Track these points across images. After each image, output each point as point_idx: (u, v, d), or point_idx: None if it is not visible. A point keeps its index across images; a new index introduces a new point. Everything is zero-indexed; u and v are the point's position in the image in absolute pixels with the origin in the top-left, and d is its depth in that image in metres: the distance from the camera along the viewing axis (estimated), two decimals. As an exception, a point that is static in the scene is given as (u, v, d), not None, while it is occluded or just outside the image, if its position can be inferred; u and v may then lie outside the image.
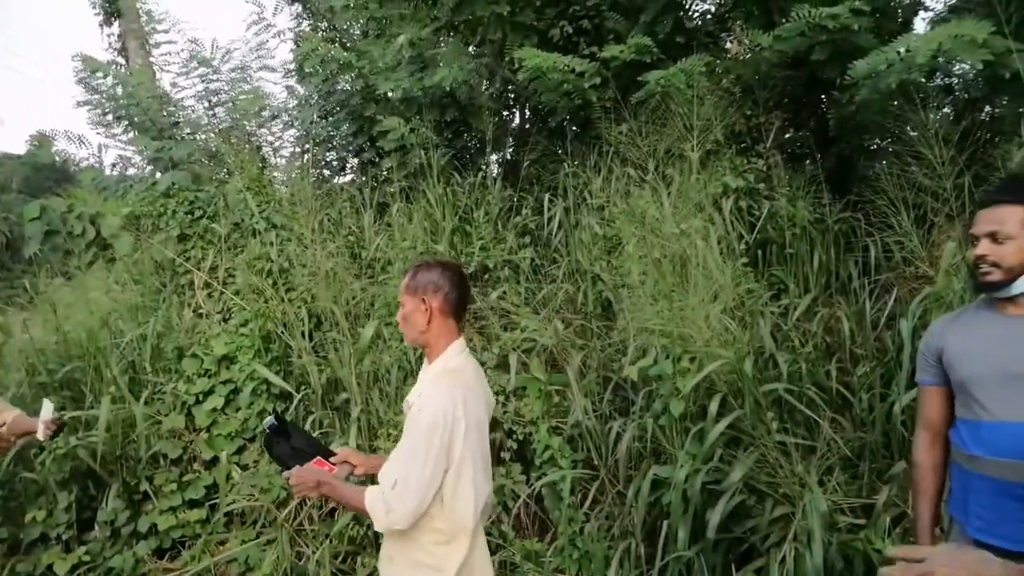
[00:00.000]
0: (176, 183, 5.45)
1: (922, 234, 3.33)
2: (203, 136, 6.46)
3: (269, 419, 2.07)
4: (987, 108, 4.65)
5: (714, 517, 2.71)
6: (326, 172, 6.74)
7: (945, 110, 5.07)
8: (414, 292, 1.97)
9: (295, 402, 4.05)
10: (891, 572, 1.19)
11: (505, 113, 6.62)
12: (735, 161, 4.33)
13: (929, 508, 1.92)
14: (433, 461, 1.82)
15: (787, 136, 5.15)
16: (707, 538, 2.71)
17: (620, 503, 3.21)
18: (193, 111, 6.55)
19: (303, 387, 4.10)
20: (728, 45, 6.06)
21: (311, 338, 4.36)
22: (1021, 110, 3.32)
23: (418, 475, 1.83)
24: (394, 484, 1.87)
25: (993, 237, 1.70)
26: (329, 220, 5.29)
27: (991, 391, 1.69)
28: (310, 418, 3.94)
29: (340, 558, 3.60)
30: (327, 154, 6.74)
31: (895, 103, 3.98)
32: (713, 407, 2.89)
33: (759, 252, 4.06)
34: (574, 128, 5.21)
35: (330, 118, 6.52)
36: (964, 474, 1.78)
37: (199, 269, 5.09)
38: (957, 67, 4.58)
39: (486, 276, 4.64)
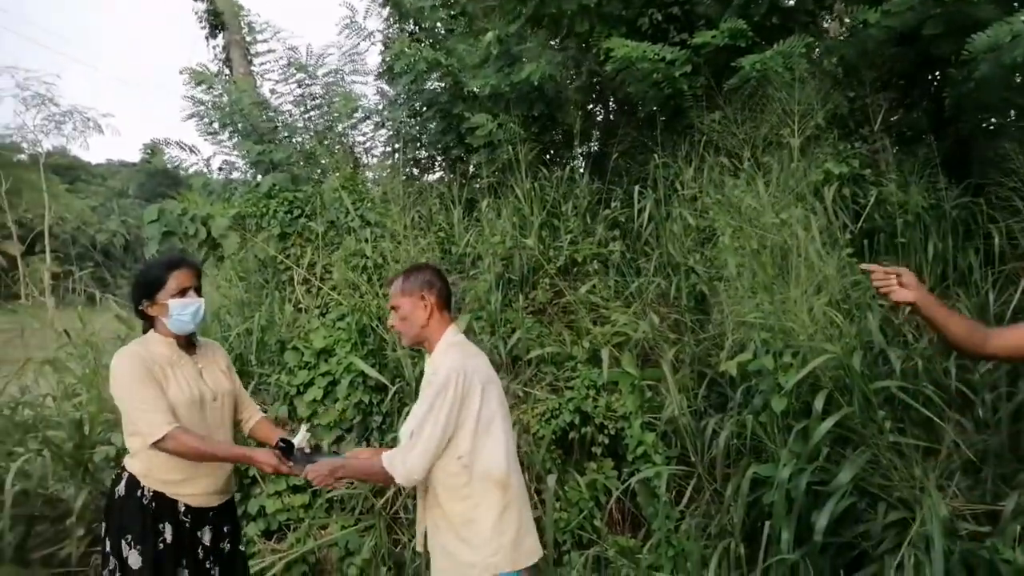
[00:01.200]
0: (276, 184, 5.72)
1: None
2: (300, 139, 6.75)
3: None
4: None
5: (821, 519, 2.58)
6: (416, 170, 6.89)
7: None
8: (411, 293, 2.24)
9: (390, 394, 4.16)
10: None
11: (592, 106, 6.56)
12: (838, 146, 4.11)
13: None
14: (447, 412, 2.05)
15: (896, 118, 4.84)
16: (814, 541, 2.59)
17: (717, 502, 3.12)
18: (290, 115, 6.85)
19: (397, 379, 4.21)
20: (828, 24, 5.75)
21: (405, 332, 4.47)
22: None
23: (432, 425, 2.06)
24: (410, 435, 2.11)
25: None
26: (420, 217, 5.41)
27: None
28: (404, 410, 4.04)
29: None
30: (417, 152, 6.89)
31: (1020, 79, 3.67)
32: (818, 404, 2.76)
33: (865, 242, 3.84)
34: (664, 118, 5.09)
35: (419, 117, 6.65)
36: None
37: (298, 266, 5.33)
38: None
39: (575, 270, 4.61)
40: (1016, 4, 3.88)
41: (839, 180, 3.97)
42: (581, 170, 5.43)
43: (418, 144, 6.81)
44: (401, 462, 2.11)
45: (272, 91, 6.87)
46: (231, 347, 4.84)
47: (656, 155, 4.77)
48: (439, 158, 6.81)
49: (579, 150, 5.83)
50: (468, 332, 4.19)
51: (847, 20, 5.02)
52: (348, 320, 4.52)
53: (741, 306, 3.09)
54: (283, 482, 4.17)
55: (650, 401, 3.60)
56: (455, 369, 2.08)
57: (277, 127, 6.64)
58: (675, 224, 4.32)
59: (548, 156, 5.76)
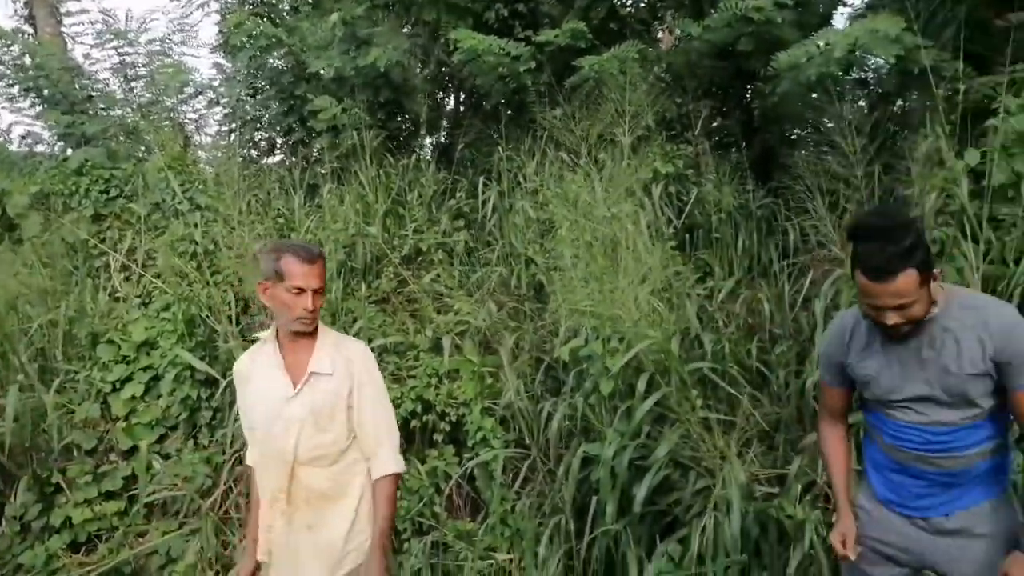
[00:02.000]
0: (89, 160, 5.17)
1: (835, 219, 3.50)
2: (119, 112, 6.14)
3: None
4: (899, 101, 4.91)
5: (640, 491, 2.78)
6: (254, 152, 6.52)
7: (860, 103, 5.33)
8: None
9: (221, 388, 3.93)
10: None
11: (440, 95, 6.56)
12: (665, 148, 4.44)
13: (841, 476, 1.99)
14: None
15: (715, 124, 5.31)
16: (633, 512, 2.79)
17: (551, 481, 3.26)
18: (108, 85, 6.21)
19: (229, 372, 3.97)
20: (660, 35, 6.18)
21: (238, 322, 4.23)
22: (928, 103, 3.52)
23: (390, 410, 2.06)
24: (374, 425, 2.01)
25: (899, 308, 1.62)
26: (257, 201, 5.13)
27: (900, 407, 1.75)
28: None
29: (268, 545, 3.53)
30: (255, 134, 6.52)
31: (814, 95, 4.16)
32: (641, 385, 2.97)
33: (687, 236, 4.18)
34: (509, 112, 5.21)
35: (259, 96, 6.30)
36: (876, 450, 1.88)
37: (116, 251, 4.86)
38: (872, 61, 4.81)
39: (420, 259, 4.61)
40: (813, 30, 4.39)
41: (665, 179, 4.29)
42: (428, 159, 5.42)
43: (257, 125, 6.45)
44: (395, 458, 2.03)
45: (87, 56, 6.20)
46: (31, 340, 4.33)
47: (501, 148, 4.87)
48: (280, 140, 6.50)
49: (427, 140, 5.81)
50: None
51: (677, 31, 5.42)
52: (174, 310, 4.21)
53: (574, 295, 3.25)
54: (93, 489, 3.80)
55: (490, 387, 3.69)
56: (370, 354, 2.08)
57: (92, 97, 5.99)
58: (517, 216, 4.45)
59: (394, 144, 5.69)
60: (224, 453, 3.78)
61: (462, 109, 6.25)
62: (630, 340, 3.02)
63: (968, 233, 3.04)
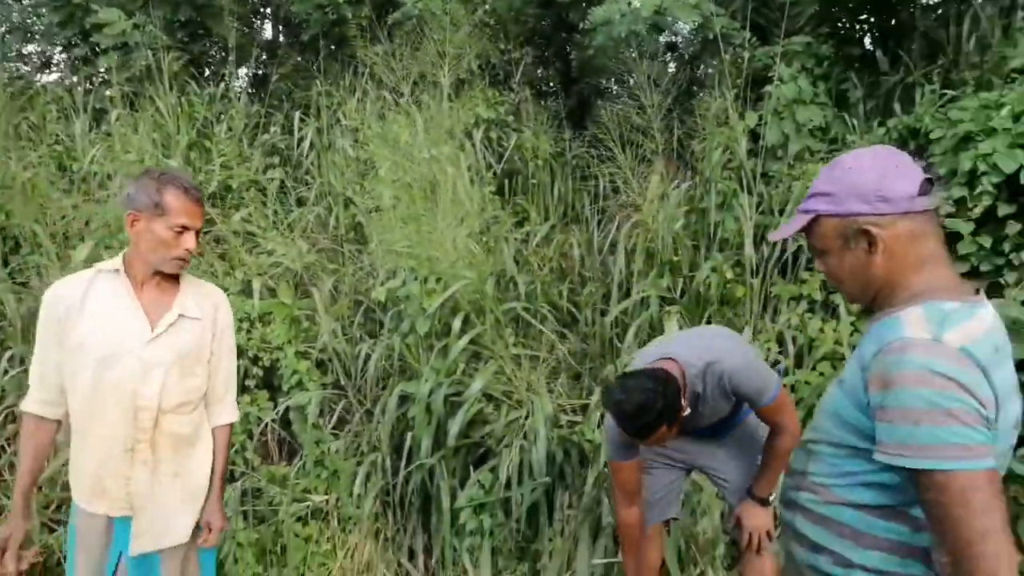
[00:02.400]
0: None
1: (636, 168, 3.78)
2: None
3: None
4: (700, 65, 5.36)
5: (454, 426, 2.90)
6: (24, 67, 5.61)
7: (670, 64, 5.74)
8: None
9: (-17, 338, 3.44)
10: None
11: (254, 21, 6.05)
12: (487, 93, 4.48)
13: (634, 565, 2.10)
14: None
15: (537, 73, 5.44)
16: (448, 446, 2.90)
17: (368, 421, 3.29)
18: None
19: (-2, 320, 3.50)
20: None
21: (6, 263, 3.70)
22: (719, 68, 3.87)
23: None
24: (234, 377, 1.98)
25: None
26: (29, 125, 4.46)
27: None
28: (7, 354, 3.39)
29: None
30: (25, 45, 5.60)
31: (630, 52, 4.40)
32: (457, 324, 3.05)
33: (506, 181, 4.30)
34: (329, 45, 4.95)
35: (25, 1, 5.40)
36: None
37: None
38: (679, 26, 5.18)
39: (229, 197, 4.30)
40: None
41: (487, 124, 4.35)
42: (238, 90, 5.02)
43: (28, 35, 5.55)
44: (234, 406, 1.99)
45: None
46: None
47: (319, 83, 4.63)
48: (58, 56, 5.65)
49: (237, 69, 5.36)
50: (94, 262, 3.64)
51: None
52: (-82, 249, 3.58)
53: (393, 236, 3.23)
54: None
55: (306, 331, 3.59)
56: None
57: None
58: (336, 154, 4.29)
59: (199, 71, 5.18)
60: (-5, 409, 3.35)
61: (277, 37, 5.82)
62: (447, 281, 3.08)
63: (745, 186, 3.44)
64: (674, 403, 1.68)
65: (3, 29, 5.31)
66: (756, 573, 2.06)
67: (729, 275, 3.26)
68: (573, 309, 3.71)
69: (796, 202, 3.33)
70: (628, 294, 3.34)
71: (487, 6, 4.81)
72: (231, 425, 1.98)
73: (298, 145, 4.59)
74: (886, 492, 1.03)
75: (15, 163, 3.88)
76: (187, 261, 1.76)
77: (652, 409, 1.66)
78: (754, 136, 3.71)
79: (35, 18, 5.42)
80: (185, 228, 1.71)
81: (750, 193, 3.45)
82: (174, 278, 1.82)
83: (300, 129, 4.61)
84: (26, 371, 3.38)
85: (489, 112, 4.38)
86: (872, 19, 4.45)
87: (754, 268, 3.30)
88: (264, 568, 2.91)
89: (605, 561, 2.63)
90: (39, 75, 5.62)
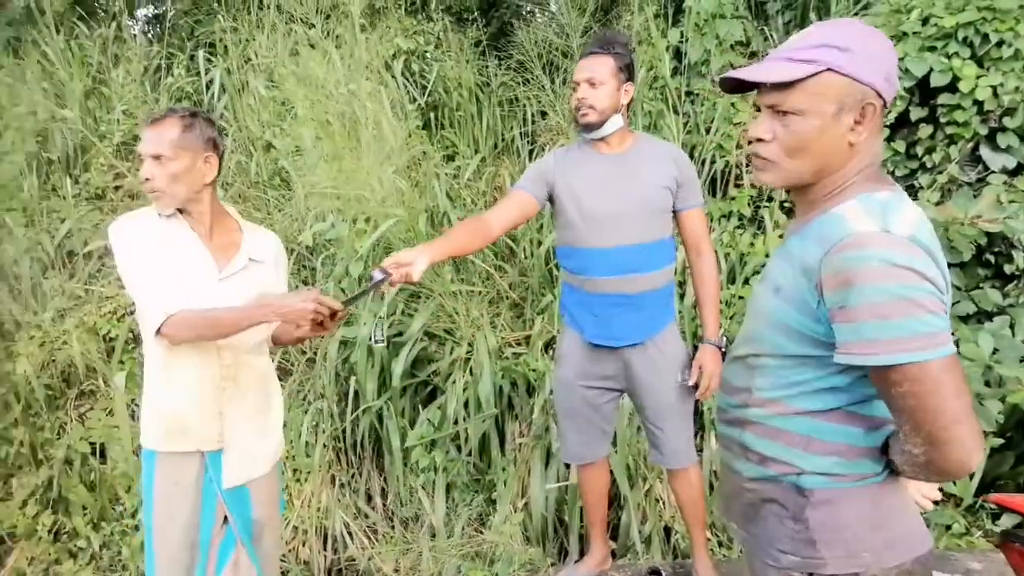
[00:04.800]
0: None
1: (560, 91, 3.71)
2: None
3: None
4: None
5: (398, 367, 2.89)
6: None
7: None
8: (194, 149, 1.67)
9: None
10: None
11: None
12: (404, 22, 4.28)
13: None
14: None
15: (456, 1, 5.21)
16: (393, 387, 2.90)
17: (311, 369, 3.24)
18: None
19: None
20: None
21: None
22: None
23: None
24: None
25: (590, 83, 1.92)
26: None
27: (603, 223, 2.01)
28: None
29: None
30: None
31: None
32: (391, 264, 3.00)
33: (432, 115, 4.17)
34: (229, -24, 4.59)
35: None
36: (579, 293, 2.12)
37: None
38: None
39: (137, 145, 4.03)
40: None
41: (407, 55, 4.17)
42: (134, 31, 4.64)
43: None
44: None
45: None
46: None
47: (222, 18, 4.32)
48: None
49: (132, 9, 4.93)
50: (-4, 228, 3.40)
51: None
52: None
53: (316, 177, 3.11)
54: None
55: (236, 283, 3.46)
56: None
57: None
58: (250, 96, 4.05)
59: (86, 9, 4.75)
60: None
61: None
62: (377, 220, 3.01)
63: (671, 106, 3.44)
64: (631, 68, 1.98)
65: None
66: (684, 483, 2.15)
67: (660, 196, 3.28)
68: (510, 242, 3.69)
69: (721, 119, 3.35)
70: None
71: (397, -73, 4.54)
72: None
73: (208, 88, 4.30)
74: (837, 395, 1.03)
75: None
76: (154, 192, 1.65)
77: (624, 41, 1.99)
78: (677, 55, 3.68)
79: None
80: (142, 158, 1.66)
81: (676, 113, 3.46)
82: (233, 222, 1.80)
83: (207, 70, 4.32)
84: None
85: (408, 43, 4.19)
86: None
87: (684, 187, 3.33)
88: (218, 523, 2.89)
89: (558, 485, 2.71)
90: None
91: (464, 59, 4.22)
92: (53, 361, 3.22)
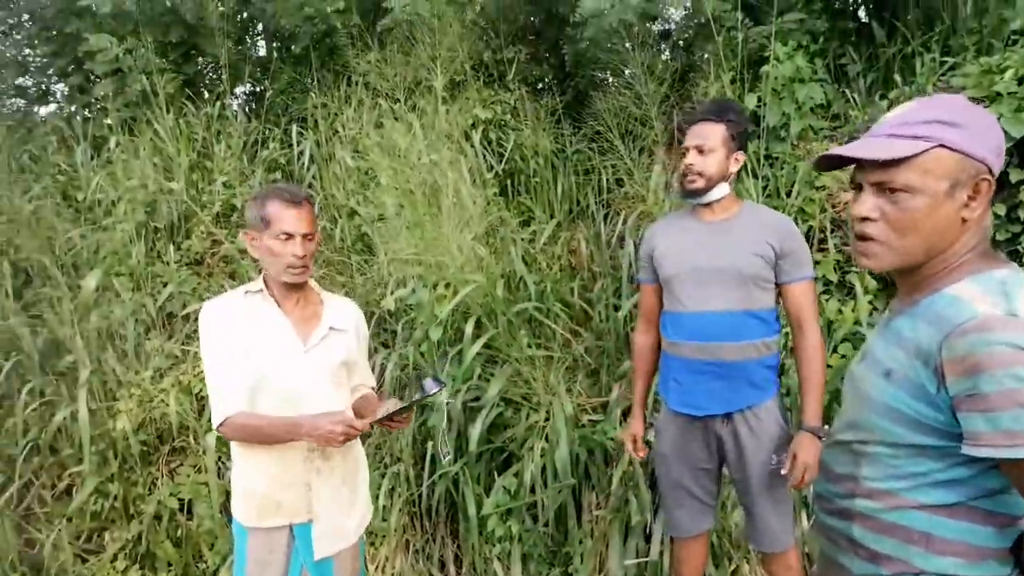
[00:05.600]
0: None
1: (637, 159, 3.75)
2: None
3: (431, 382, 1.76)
4: (696, 51, 5.31)
5: (475, 432, 2.89)
6: (21, 101, 5.63)
7: (664, 52, 5.69)
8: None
9: (3, 371, 3.46)
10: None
11: (246, 38, 6.05)
12: (483, 93, 4.45)
13: (643, 382, 2.29)
14: None
15: (533, 72, 5.40)
16: (469, 452, 2.89)
17: (387, 432, 3.28)
18: None
19: (13, 353, 3.51)
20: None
21: (19, 296, 3.72)
22: (714, 51, 3.83)
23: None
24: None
25: (699, 149, 1.94)
26: (30, 157, 4.48)
27: (687, 287, 1.99)
28: (27, 387, 3.40)
29: (83, 538, 3.24)
30: (21, 79, 5.61)
31: (624, 42, 4.36)
32: (469, 329, 3.04)
33: (508, 181, 4.28)
34: (321, 57, 4.93)
35: (17, 34, 5.40)
36: (667, 358, 2.10)
37: None
38: (672, 13, 5.13)
39: (233, 216, 4.30)
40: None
41: (485, 124, 4.32)
42: (235, 108, 5.01)
43: (21, 69, 5.56)
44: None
45: None
46: None
47: (314, 95, 4.62)
48: (54, 87, 5.66)
49: (234, 88, 5.35)
50: (105, 290, 3.66)
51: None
52: (-69, 289, 3.60)
53: (399, 244, 3.22)
54: None
55: (320, 345, 3.58)
56: None
57: None
58: (337, 166, 4.28)
59: (195, 91, 5.18)
60: (16, 445, 3.37)
61: (268, 53, 5.81)
62: (456, 286, 3.07)
63: (750, 171, 3.41)
64: (743, 135, 1.98)
65: (-3, 65, 5.33)
66: (783, 567, 2.03)
67: (740, 261, 3.22)
68: (586, 306, 3.68)
69: (803, 183, 3.29)
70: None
71: (476, 6, 4.78)
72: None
73: (298, 159, 4.58)
74: (959, 488, 0.95)
75: (19, 196, 3.89)
76: (301, 268, 1.77)
77: (736, 106, 2.00)
78: (755, 119, 3.67)
79: (29, 51, 5.43)
80: (289, 235, 1.73)
81: (755, 177, 3.42)
82: (315, 294, 1.90)
83: (299, 143, 4.60)
84: (47, 403, 3.42)
85: (486, 112, 4.35)
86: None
87: (765, 252, 3.26)
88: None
89: (637, 561, 2.61)
90: (37, 107, 5.64)
91: (540, 127, 4.33)
92: (151, 419, 3.39)
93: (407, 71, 4.14)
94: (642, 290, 2.26)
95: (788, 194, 3.37)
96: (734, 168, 1.98)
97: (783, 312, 2.03)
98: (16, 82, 5.52)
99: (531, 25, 5.11)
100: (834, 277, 3.11)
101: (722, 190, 1.97)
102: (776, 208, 3.40)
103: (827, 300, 3.05)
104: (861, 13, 4.51)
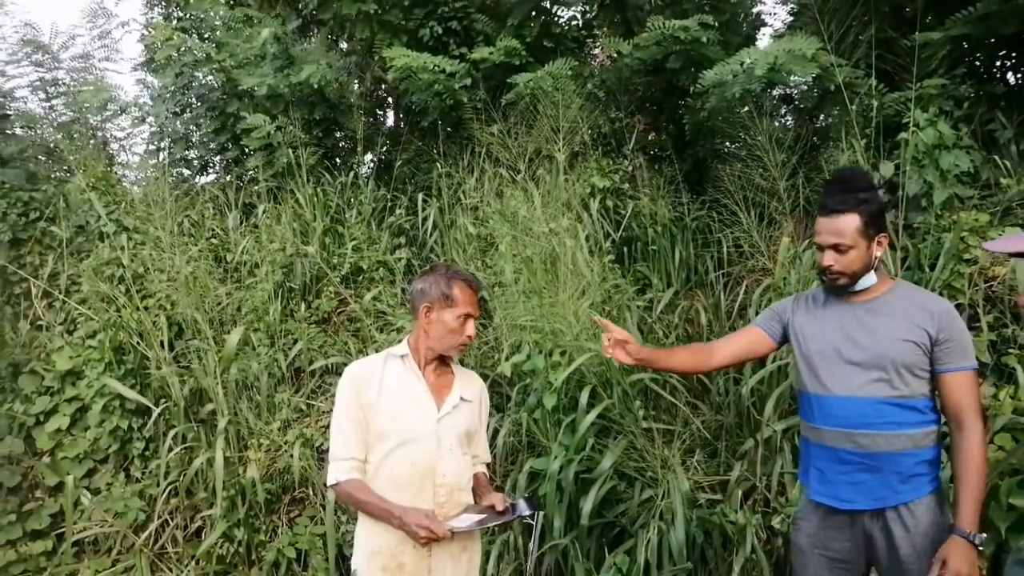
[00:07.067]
0: (7, 182, 4.92)
1: (762, 230, 3.64)
2: (39, 131, 5.86)
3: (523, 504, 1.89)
4: (820, 117, 5.16)
5: (587, 504, 2.81)
6: (186, 171, 6.32)
7: (786, 119, 5.57)
8: None
9: (154, 416, 3.78)
10: None
11: (378, 112, 6.52)
12: (601, 162, 4.52)
13: (665, 352, 2.16)
14: None
15: (649, 139, 5.45)
16: (581, 525, 2.81)
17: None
18: (26, 103, 5.92)
19: (163, 400, 3.83)
20: (596, 51, 6.31)
21: (171, 348, 4.08)
22: (844, 118, 3.70)
23: None
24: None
25: (836, 248, 1.81)
26: (190, 222, 4.98)
27: (830, 368, 1.87)
28: (172, 432, 3.69)
29: (209, 579, 3.41)
30: (187, 152, 6.32)
31: (744, 110, 4.32)
32: (584, 398, 3.00)
33: (625, 249, 4.27)
34: (446, 128, 5.22)
35: (188, 114, 6.12)
36: (807, 444, 1.97)
37: (37, 277, 4.62)
38: (795, 79, 5.04)
39: (360, 277, 4.55)
40: (738, 48, 4.57)
41: (602, 193, 4.37)
42: (366, 177, 5.37)
43: (188, 143, 6.26)
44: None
45: (1, 73, 5.87)
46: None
47: (439, 164, 4.87)
48: (214, 159, 6.32)
49: (364, 157, 5.76)
50: (245, 345, 3.95)
51: (608, 50, 5.54)
52: (101, 337, 4.03)
53: (515, 310, 3.27)
54: (18, 528, 3.60)
55: (435, 406, 3.66)
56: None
57: (8, 115, 5.70)
58: (458, 232, 4.45)
59: (331, 161, 5.62)
60: (159, 485, 3.63)
61: (398, 126, 6.22)
62: (572, 354, 3.06)
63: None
64: (881, 217, 1.81)
65: (168, 141, 6.03)
66: None
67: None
68: (704, 379, 3.55)
69: (949, 256, 3.06)
70: (763, 362, 3.15)
71: (597, 79, 4.91)
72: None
73: (422, 225, 4.81)
74: None
75: (179, 257, 4.32)
76: (468, 346, 1.97)
77: (868, 184, 1.82)
78: (890, 188, 3.48)
79: (194, 128, 6.12)
80: (468, 316, 1.90)
81: (893, 248, 3.22)
82: (446, 364, 2.01)
83: (423, 209, 4.84)
84: (188, 448, 3.68)
85: (604, 181, 4.40)
86: (1013, 54, 4.12)
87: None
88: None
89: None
90: (198, 177, 6.31)
91: (658, 195, 4.32)
92: (279, 471, 3.56)
93: (529, 142, 4.29)
94: (749, 331, 2.11)
95: (932, 267, 3.14)
96: (879, 253, 1.84)
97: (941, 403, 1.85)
98: (182, 155, 6.22)
99: (650, 96, 5.18)
100: (988, 360, 2.82)
101: (870, 279, 1.85)
102: (918, 283, 3.17)
103: (980, 384, 2.77)
104: (1010, 76, 4.23)
